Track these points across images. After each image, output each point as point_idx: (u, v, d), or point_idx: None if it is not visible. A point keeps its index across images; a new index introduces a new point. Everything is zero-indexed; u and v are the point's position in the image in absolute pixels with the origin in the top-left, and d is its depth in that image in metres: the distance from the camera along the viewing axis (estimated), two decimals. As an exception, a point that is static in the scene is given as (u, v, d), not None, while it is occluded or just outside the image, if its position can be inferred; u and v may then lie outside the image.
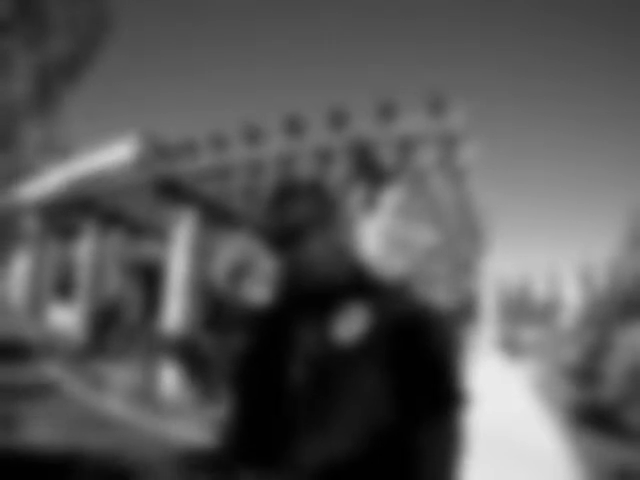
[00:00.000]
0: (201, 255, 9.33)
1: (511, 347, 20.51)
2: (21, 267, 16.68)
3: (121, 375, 9.41)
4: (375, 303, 1.52)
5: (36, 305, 15.95)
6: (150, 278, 13.33)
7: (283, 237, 1.56)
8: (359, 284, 1.60)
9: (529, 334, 26.58)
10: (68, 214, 13.93)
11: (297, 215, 1.57)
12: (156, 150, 8.72)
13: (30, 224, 15.71)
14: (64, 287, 16.46)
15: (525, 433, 7.38)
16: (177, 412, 7.70)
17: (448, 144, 6.88)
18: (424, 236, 10.32)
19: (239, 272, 9.74)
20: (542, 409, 9.13)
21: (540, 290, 50.36)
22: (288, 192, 1.64)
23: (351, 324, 1.48)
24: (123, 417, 7.32)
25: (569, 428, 7.71)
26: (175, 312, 9.14)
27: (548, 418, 8.37)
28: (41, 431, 5.95)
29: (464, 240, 14.13)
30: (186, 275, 9.09)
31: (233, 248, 10.32)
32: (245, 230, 10.36)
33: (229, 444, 1.71)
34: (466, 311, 19.73)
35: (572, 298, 41.14)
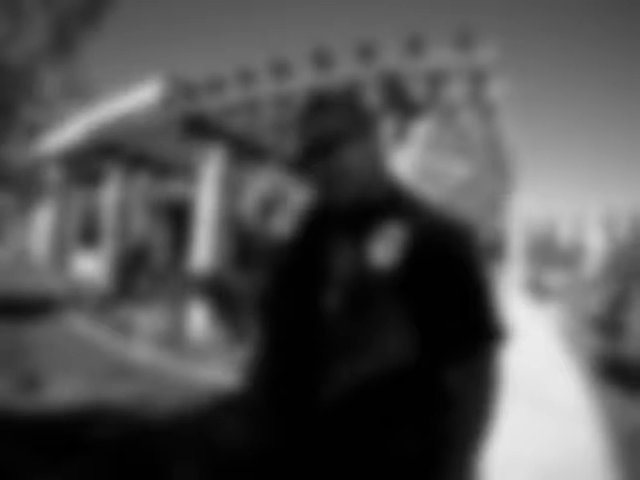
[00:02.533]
0: (230, 191, 9.29)
1: (537, 290, 20.45)
2: (44, 219, 16.80)
3: (149, 320, 9.48)
4: (412, 222, 1.48)
5: (60, 256, 16.09)
6: (178, 218, 13.37)
7: (319, 145, 1.52)
8: (395, 201, 1.58)
9: (554, 278, 26.49)
10: (92, 160, 13.96)
11: (333, 123, 1.54)
12: (181, 89, 8.64)
13: (53, 174, 15.78)
14: (89, 235, 16.56)
15: (549, 383, 7.35)
16: (207, 355, 7.74)
17: (477, 79, 6.78)
18: (454, 170, 10.24)
19: (269, 207, 9.73)
20: (567, 359, 9.07)
21: (565, 234, 50.15)
22: (323, 102, 1.61)
23: (388, 245, 1.44)
24: (151, 363, 7.36)
25: (592, 381, 7.67)
26: (204, 251, 9.13)
27: (572, 369, 8.32)
28: (67, 387, 5.95)
29: (493, 177, 14.02)
30: (215, 212, 9.07)
31: (262, 183, 10.30)
32: (274, 165, 10.32)
33: (258, 383, 1.71)
34: (494, 249, 19.69)
35: (596, 244, 40.96)
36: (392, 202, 1.57)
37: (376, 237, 1.47)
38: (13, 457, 4.00)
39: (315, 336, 1.48)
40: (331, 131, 1.52)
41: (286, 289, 1.66)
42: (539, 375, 7.69)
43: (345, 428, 1.41)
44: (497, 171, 13.17)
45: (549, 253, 43.86)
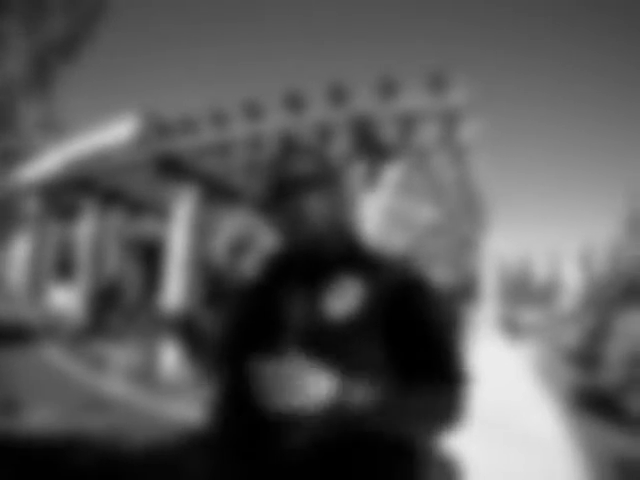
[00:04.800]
0: (201, 232, 9.30)
1: (511, 328, 20.51)
2: (21, 249, 16.69)
3: (121, 355, 9.44)
4: (370, 275, 1.50)
5: (36, 287, 15.97)
6: (150, 256, 13.35)
7: (283, 194, 1.55)
8: (354, 254, 1.59)
9: (529, 315, 26.58)
10: (68, 194, 13.91)
11: (296, 170, 1.56)
12: (156, 127, 8.69)
13: (30, 205, 15.70)
14: (64, 268, 16.49)
15: (525, 416, 7.37)
16: (177, 391, 7.71)
17: (449, 121, 6.86)
18: (425, 213, 10.31)
19: (239, 248, 9.73)
20: (542, 393, 9.11)
21: (540, 271, 50.45)
22: (291, 152, 1.64)
23: (344, 296, 1.46)
24: (123, 397, 7.32)
25: (568, 413, 7.71)
26: (175, 289, 9.12)
27: (548, 402, 8.36)
28: (41, 414, 5.96)
29: (465, 218, 14.12)
30: (186, 252, 9.07)
31: (233, 224, 10.31)
32: (245, 206, 10.36)
33: (218, 424, 1.71)
34: (466, 289, 19.74)
35: (572, 280, 41.16)
36: (351, 254, 1.58)
37: (331, 289, 1.48)
38: None
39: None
40: (295, 177, 1.55)
41: (245, 335, 1.67)
42: (514, 411, 7.69)
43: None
44: (469, 212, 13.26)
45: (524, 291, 44.08)
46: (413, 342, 1.42)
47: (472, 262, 20.63)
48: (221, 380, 1.75)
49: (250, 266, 9.26)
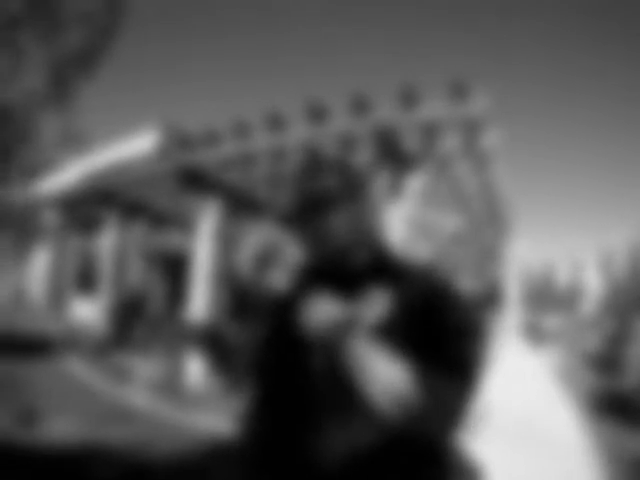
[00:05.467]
0: (226, 244, 9.31)
1: (534, 334, 20.41)
2: (41, 262, 16.78)
3: (145, 367, 9.43)
4: (397, 286, 1.50)
5: (57, 299, 16.03)
6: (174, 268, 13.38)
7: (308, 209, 1.56)
8: (381, 266, 1.59)
9: (552, 321, 26.49)
10: (89, 206, 13.98)
11: (323, 188, 1.56)
12: (178, 140, 8.72)
13: (50, 218, 15.79)
14: (86, 280, 16.52)
15: (547, 421, 7.35)
16: (203, 403, 7.69)
17: (471, 130, 6.84)
18: (448, 222, 10.28)
19: (264, 260, 9.74)
20: (564, 397, 9.06)
21: (562, 277, 50.24)
22: (315, 166, 1.64)
23: (373, 308, 1.46)
24: (147, 409, 7.32)
25: (589, 417, 7.66)
26: (200, 302, 9.12)
27: (570, 406, 8.31)
28: (63, 426, 5.95)
29: (488, 226, 14.08)
30: (211, 264, 9.08)
31: (258, 236, 10.31)
32: (270, 218, 10.37)
33: (250, 439, 1.69)
34: (490, 297, 19.69)
35: (594, 285, 41.02)
36: (378, 264, 1.58)
37: (361, 299, 1.48)
38: None
39: (305, 396, 1.49)
40: (322, 192, 1.55)
41: (277, 348, 1.65)
42: (537, 416, 7.66)
43: None
44: (492, 220, 13.22)
45: (547, 297, 43.87)
46: (435, 347, 1.42)
47: (495, 270, 20.59)
48: (253, 393, 1.73)
49: (276, 279, 9.28)
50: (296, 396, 1.51)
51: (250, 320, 8.59)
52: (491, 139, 7.10)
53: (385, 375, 1.32)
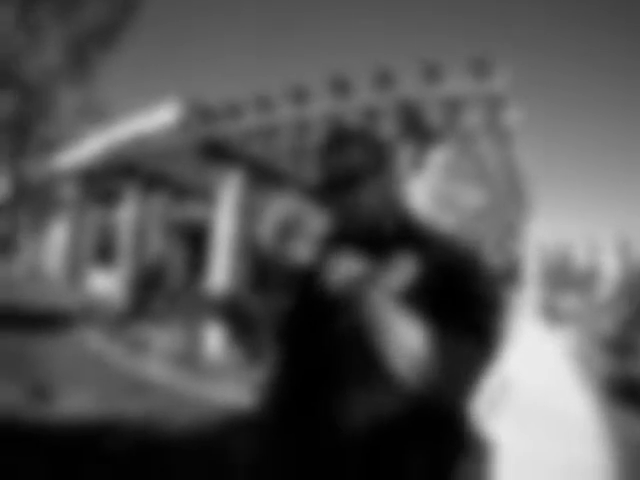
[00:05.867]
0: (247, 215, 9.33)
1: (551, 314, 20.37)
2: (59, 235, 16.84)
3: (163, 339, 9.47)
4: (422, 253, 1.53)
5: (75, 272, 16.10)
6: (194, 240, 13.42)
7: (336, 182, 1.60)
8: (407, 234, 1.62)
9: (568, 302, 26.40)
10: (108, 179, 14.01)
11: (351, 160, 1.59)
12: (199, 113, 8.70)
13: (69, 192, 15.86)
14: (104, 253, 16.55)
15: (560, 402, 7.38)
16: (221, 374, 7.72)
17: (493, 106, 6.81)
18: (471, 197, 10.25)
19: (286, 232, 9.75)
20: (578, 379, 9.06)
21: (580, 258, 49.95)
22: (344, 135, 1.66)
23: (397, 273, 1.49)
24: (166, 381, 7.33)
25: (602, 400, 7.66)
26: (221, 273, 9.15)
27: (583, 389, 8.31)
28: (79, 400, 5.92)
29: (509, 203, 14.01)
30: (232, 235, 9.12)
31: (280, 207, 10.30)
32: (292, 190, 10.35)
33: (272, 406, 1.72)
34: (509, 274, 19.65)
35: (611, 268, 40.81)
36: (403, 235, 1.61)
37: (387, 266, 1.51)
38: (22, 467, 3.97)
39: (329, 361, 1.52)
40: (350, 167, 1.57)
41: (302, 311, 1.70)
42: (551, 395, 7.74)
43: (361, 463, 1.42)
44: (513, 197, 13.16)
45: (564, 277, 43.61)
46: (457, 315, 1.42)
47: (515, 247, 20.51)
48: (278, 356, 1.77)
49: (298, 250, 9.28)
50: (320, 361, 1.54)
51: (271, 292, 8.58)
52: (512, 116, 7.07)
53: (405, 337, 1.34)
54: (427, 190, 7.27)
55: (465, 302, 1.44)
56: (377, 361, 1.38)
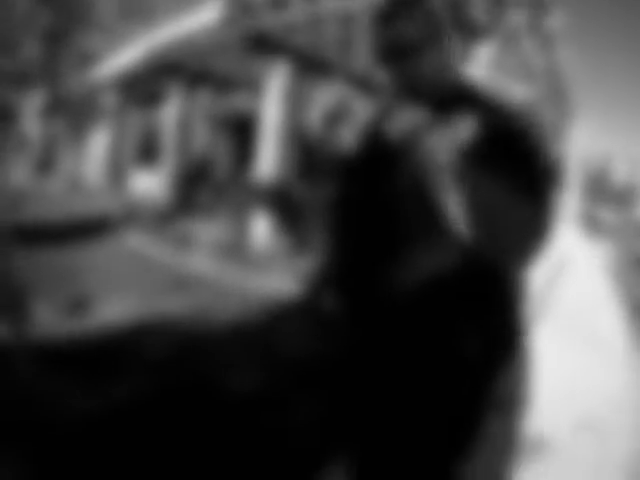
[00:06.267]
0: (295, 104, 9.29)
1: (590, 224, 20.14)
2: (99, 143, 16.55)
3: (209, 232, 9.33)
4: (483, 115, 1.44)
5: (116, 177, 15.73)
6: (240, 132, 13.23)
7: (398, 49, 1.55)
8: (468, 99, 1.58)
9: (606, 214, 26.02)
10: (151, 81, 13.91)
11: (413, 28, 1.54)
12: (243, 7, 8.66)
13: (109, 98, 15.79)
14: (147, 154, 16.27)
15: (596, 318, 7.30)
16: (269, 264, 7.67)
17: (538, 7, 6.74)
18: (517, 91, 10.15)
19: (334, 119, 9.68)
20: (614, 296, 8.94)
21: (619, 172, 48.88)
22: (403, 4, 1.59)
23: (457, 132, 1.43)
24: (211, 274, 7.18)
25: (632, 316, 7.53)
26: (268, 162, 9.12)
27: (618, 306, 8.22)
28: (118, 306, 5.60)
29: (552, 105, 13.79)
30: (279, 124, 9.10)
31: (328, 96, 10.20)
32: (340, 79, 10.24)
33: (324, 286, 1.79)
34: (554, 175, 19.40)
35: (648, 186, 40.00)
36: (464, 99, 1.55)
37: (445, 127, 1.43)
38: (54, 383, 3.62)
39: (389, 217, 1.54)
40: (411, 36, 1.52)
41: (355, 191, 1.70)
42: (587, 309, 7.66)
43: (415, 322, 1.47)
44: (556, 99, 12.96)
45: (602, 189, 42.79)
46: (514, 185, 1.37)
47: (557, 151, 20.11)
48: (330, 237, 1.84)
49: (345, 137, 9.21)
50: (379, 218, 1.56)
51: (319, 179, 8.52)
52: (557, 20, 6.99)
53: (465, 194, 1.34)
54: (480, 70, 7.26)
55: (522, 165, 1.43)
56: (435, 216, 1.38)
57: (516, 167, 1.39)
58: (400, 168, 1.49)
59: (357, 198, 1.67)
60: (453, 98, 1.54)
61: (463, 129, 1.42)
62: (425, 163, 1.37)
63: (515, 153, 1.44)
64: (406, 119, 1.46)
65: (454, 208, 1.34)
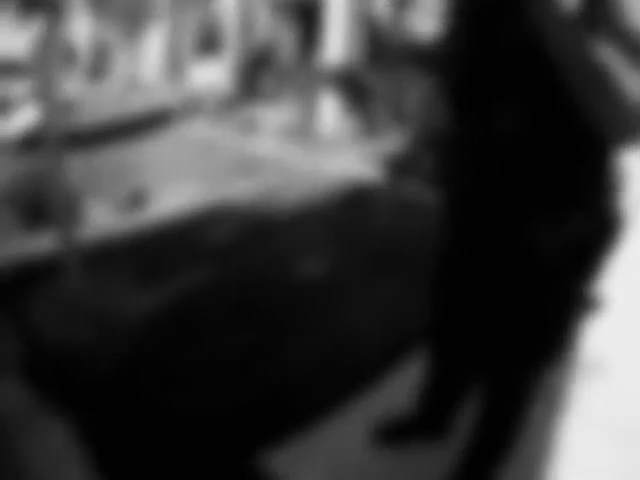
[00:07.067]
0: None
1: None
2: (156, 40, 16.33)
3: (275, 116, 9.27)
4: None
5: (176, 70, 15.66)
6: (306, 16, 12.96)
7: None
8: None
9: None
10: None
11: None
12: None
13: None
14: (207, 46, 16.06)
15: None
16: (336, 147, 7.55)
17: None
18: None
19: (404, 3, 9.31)
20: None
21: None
22: None
23: None
24: (277, 157, 7.16)
25: None
26: (336, 47, 8.85)
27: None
28: (182, 192, 5.71)
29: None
30: (347, 8, 8.68)
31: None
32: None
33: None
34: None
35: None
36: None
37: None
38: (111, 280, 3.60)
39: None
40: None
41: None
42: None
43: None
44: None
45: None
46: None
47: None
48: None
49: (416, 21, 8.83)
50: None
51: (388, 64, 8.31)
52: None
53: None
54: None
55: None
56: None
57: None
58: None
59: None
60: None
61: None
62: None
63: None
64: None
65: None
